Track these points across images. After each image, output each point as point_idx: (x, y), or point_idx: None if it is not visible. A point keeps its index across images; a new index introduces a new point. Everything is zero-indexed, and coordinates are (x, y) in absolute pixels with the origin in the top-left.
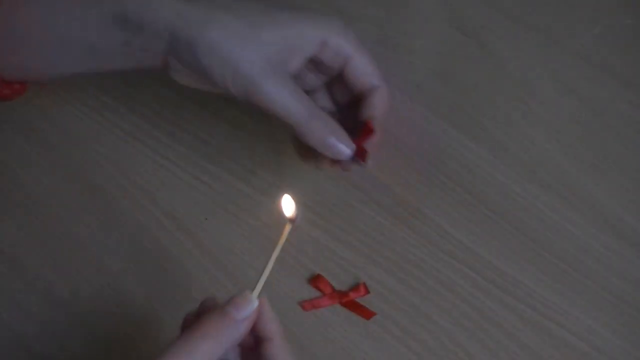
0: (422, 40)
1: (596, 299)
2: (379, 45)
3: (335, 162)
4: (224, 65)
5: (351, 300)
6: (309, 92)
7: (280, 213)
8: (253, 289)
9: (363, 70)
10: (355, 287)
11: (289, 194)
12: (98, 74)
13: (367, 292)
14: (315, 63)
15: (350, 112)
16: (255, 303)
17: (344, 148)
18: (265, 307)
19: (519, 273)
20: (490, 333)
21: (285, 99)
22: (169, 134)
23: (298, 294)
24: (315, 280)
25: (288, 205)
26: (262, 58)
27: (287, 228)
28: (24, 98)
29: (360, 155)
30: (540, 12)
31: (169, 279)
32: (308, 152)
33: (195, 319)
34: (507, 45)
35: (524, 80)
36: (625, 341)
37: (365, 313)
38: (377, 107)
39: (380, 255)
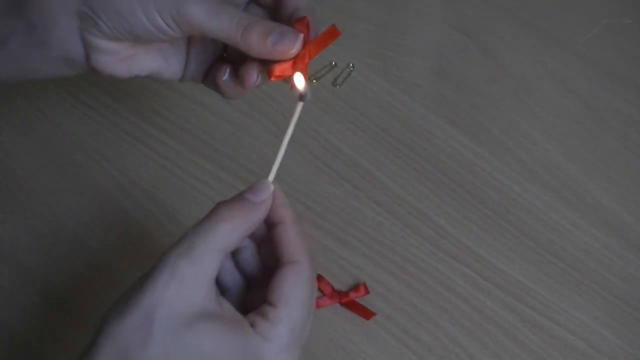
0: (422, 40)
1: (596, 299)
2: (379, 45)
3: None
4: (144, 5)
5: (351, 300)
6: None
7: (291, 91)
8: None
9: None
10: (355, 287)
11: (299, 72)
12: (19, 79)
13: (367, 292)
14: None
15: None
16: (271, 187)
17: (291, 38)
18: (278, 193)
19: (519, 273)
20: (490, 333)
21: (215, 14)
22: (169, 134)
23: None
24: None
25: (299, 81)
26: None
27: (299, 106)
28: (24, 98)
29: (315, 45)
30: (540, 12)
31: None
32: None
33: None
34: (507, 45)
35: (524, 80)
36: (625, 341)
37: (365, 313)
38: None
39: (380, 255)
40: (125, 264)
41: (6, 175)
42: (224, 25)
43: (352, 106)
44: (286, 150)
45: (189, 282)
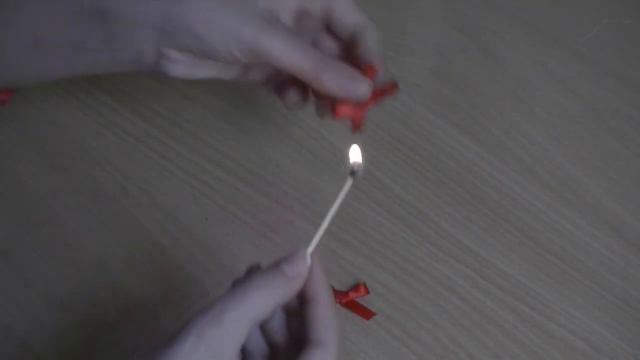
0: (422, 40)
1: (596, 299)
2: (379, 46)
3: (356, 108)
4: (224, 33)
5: (351, 300)
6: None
7: (346, 165)
8: (307, 246)
9: (348, 11)
10: (355, 287)
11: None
12: (84, 77)
13: (367, 292)
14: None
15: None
16: (309, 261)
17: (362, 86)
18: (315, 267)
19: (519, 273)
20: (490, 333)
21: (291, 52)
22: (169, 134)
23: None
24: None
25: (354, 155)
26: (258, 16)
27: (348, 182)
28: (24, 98)
29: (375, 95)
30: (540, 12)
31: (168, 279)
32: (325, 105)
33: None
34: (507, 45)
35: (524, 80)
36: (625, 341)
37: (365, 313)
38: (370, 45)
39: (380, 255)
40: (125, 264)
41: (6, 175)
42: (300, 63)
43: None
44: (285, 150)
45: (216, 348)
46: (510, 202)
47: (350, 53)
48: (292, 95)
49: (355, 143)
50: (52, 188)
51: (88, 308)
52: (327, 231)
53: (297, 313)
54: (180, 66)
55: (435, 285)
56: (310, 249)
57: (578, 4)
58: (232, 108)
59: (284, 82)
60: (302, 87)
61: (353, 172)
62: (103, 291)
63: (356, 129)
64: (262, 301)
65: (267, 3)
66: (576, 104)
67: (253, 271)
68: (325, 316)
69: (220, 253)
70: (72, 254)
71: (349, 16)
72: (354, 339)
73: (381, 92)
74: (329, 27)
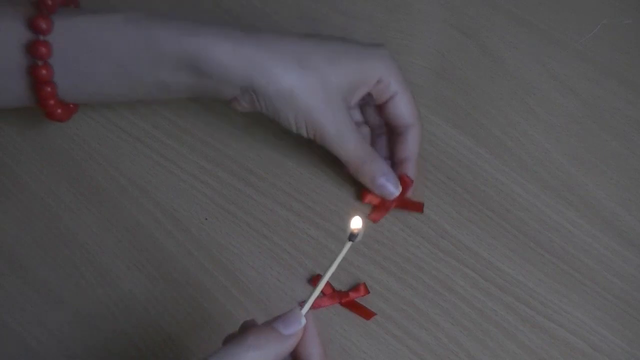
0: (422, 40)
1: (596, 299)
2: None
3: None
4: (297, 113)
5: (351, 300)
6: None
7: (345, 229)
8: (302, 306)
9: (404, 108)
10: (355, 287)
11: (359, 216)
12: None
13: (367, 292)
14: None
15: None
16: (303, 321)
17: (392, 189)
18: (310, 328)
19: (519, 273)
20: (490, 333)
21: (348, 144)
22: (169, 134)
23: (298, 295)
24: (315, 280)
25: (355, 223)
26: (330, 104)
27: (347, 245)
28: None
29: (401, 200)
30: (540, 12)
31: (168, 279)
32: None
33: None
34: (507, 45)
35: (524, 80)
36: (625, 341)
37: (365, 313)
38: (411, 146)
39: (380, 255)
40: (124, 263)
41: (6, 175)
42: (347, 153)
43: None
44: (286, 149)
45: None
46: (510, 202)
47: (391, 141)
48: None
49: (357, 215)
50: (52, 188)
51: (88, 308)
52: (327, 231)
53: None
54: (246, 109)
55: (435, 285)
56: (304, 310)
57: (578, 4)
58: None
59: None
60: None
61: (352, 237)
62: (103, 290)
63: (373, 219)
64: None
65: (346, 91)
66: (576, 104)
67: (247, 328)
68: None
69: (220, 253)
70: (72, 254)
71: (405, 115)
72: (354, 339)
73: (407, 204)
74: (382, 112)
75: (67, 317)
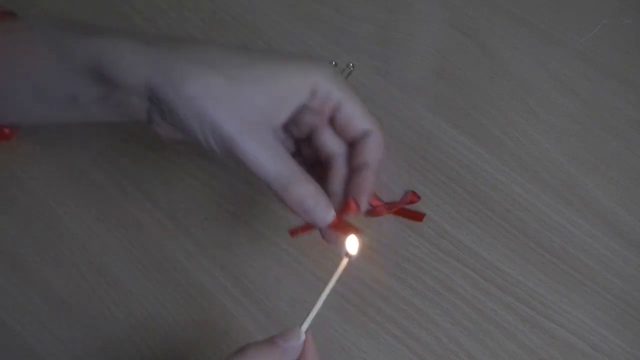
0: (422, 40)
1: (596, 299)
2: (379, 45)
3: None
4: (203, 124)
5: (401, 208)
6: (311, 133)
7: (342, 247)
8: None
9: (354, 114)
10: (404, 196)
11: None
12: (86, 123)
13: (418, 198)
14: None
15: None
16: (303, 336)
17: (322, 214)
18: (309, 344)
19: (519, 273)
20: (490, 333)
21: (262, 161)
22: None
23: (298, 295)
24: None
25: (352, 243)
26: (241, 117)
27: (344, 262)
28: None
29: (338, 227)
30: (540, 12)
31: (168, 279)
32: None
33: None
34: (507, 45)
35: (524, 80)
36: (625, 341)
37: (416, 216)
38: (370, 154)
39: (381, 255)
40: (124, 263)
41: (6, 175)
42: (268, 175)
43: None
44: None
45: None
46: (510, 202)
47: (351, 153)
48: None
49: (353, 234)
50: (52, 188)
51: (88, 308)
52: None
53: None
54: (169, 132)
55: (435, 285)
56: (304, 326)
57: (578, 4)
58: None
59: None
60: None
61: (349, 254)
62: (103, 290)
63: (291, 233)
64: None
65: (266, 102)
66: (576, 104)
67: (246, 346)
68: None
69: (220, 253)
70: (72, 254)
71: (356, 123)
72: (354, 339)
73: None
74: (335, 124)
75: (67, 317)
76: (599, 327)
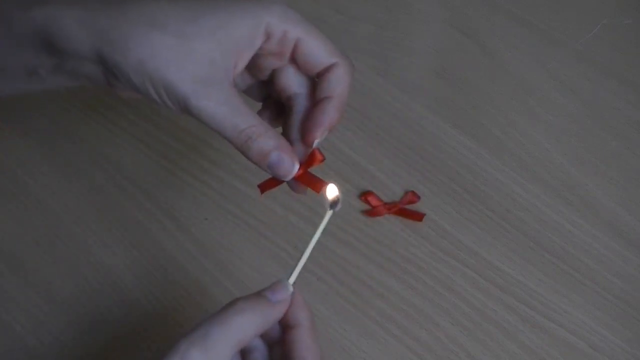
0: (422, 40)
1: (596, 299)
2: (379, 45)
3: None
4: (156, 86)
5: (400, 208)
6: (275, 72)
7: (323, 199)
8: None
9: (316, 48)
10: (404, 196)
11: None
12: (44, 91)
13: (419, 198)
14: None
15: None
16: (291, 289)
17: (288, 166)
18: (297, 296)
19: (519, 273)
20: (490, 333)
21: (219, 118)
22: (169, 134)
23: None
24: (366, 195)
25: (331, 191)
26: (194, 75)
27: (328, 214)
28: (24, 98)
29: (303, 179)
30: (540, 12)
31: (168, 279)
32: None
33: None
34: (507, 45)
35: (524, 80)
36: (625, 341)
37: (416, 216)
38: (332, 86)
39: (381, 255)
40: (125, 263)
41: (6, 175)
42: (227, 132)
43: (351, 106)
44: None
45: None
46: (510, 202)
47: (316, 88)
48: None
49: (331, 183)
50: (52, 188)
51: (88, 308)
52: (327, 231)
53: (279, 344)
54: (128, 91)
55: (435, 285)
56: (292, 279)
57: (578, 4)
58: None
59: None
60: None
61: (332, 205)
62: (103, 290)
63: (262, 189)
64: (245, 325)
65: (218, 55)
66: (576, 104)
67: (235, 299)
68: (308, 342)
69: (220, 253)
70: (72, 254)
71: (319, 57)
72: (354, 339)
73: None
74: (297, 63)
75: (67, 317)
76: (599, 327)
